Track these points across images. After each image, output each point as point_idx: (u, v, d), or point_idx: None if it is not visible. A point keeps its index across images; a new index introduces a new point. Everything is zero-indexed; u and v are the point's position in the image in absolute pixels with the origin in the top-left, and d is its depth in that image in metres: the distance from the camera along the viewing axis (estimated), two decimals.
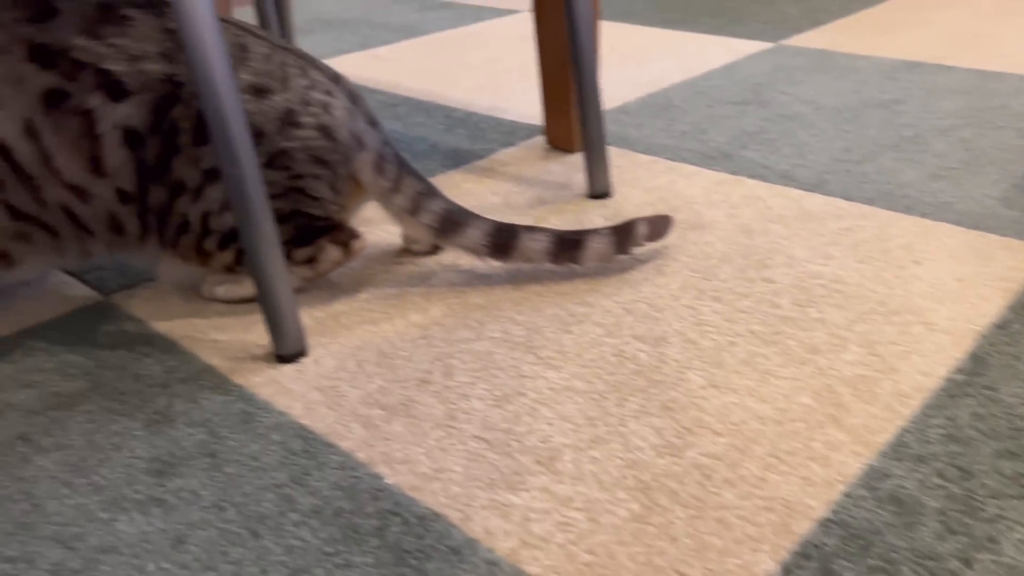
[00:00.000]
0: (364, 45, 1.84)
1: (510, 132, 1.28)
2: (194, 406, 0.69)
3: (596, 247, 0.81)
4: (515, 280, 0.86)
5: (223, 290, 0.84)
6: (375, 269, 0.90)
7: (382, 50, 1.80)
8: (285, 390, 0.71)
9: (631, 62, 1.60)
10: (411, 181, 0.81)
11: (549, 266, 0.84)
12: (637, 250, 0.86)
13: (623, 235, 0.82)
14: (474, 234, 0.81)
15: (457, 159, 1.19)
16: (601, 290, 0.83)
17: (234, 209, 0.69)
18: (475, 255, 0.82)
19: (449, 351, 0.75)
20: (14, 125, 0.70)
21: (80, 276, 0.90)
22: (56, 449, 0.65)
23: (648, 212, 0.99)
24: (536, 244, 0.81)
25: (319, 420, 0.67)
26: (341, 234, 0.82)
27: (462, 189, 1.08)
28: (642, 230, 0.83)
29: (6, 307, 0.85)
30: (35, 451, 0.65)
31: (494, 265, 0.87)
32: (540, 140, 1.24)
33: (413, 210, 0.81)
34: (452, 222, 0.81)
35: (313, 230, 0.80)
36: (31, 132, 0.71)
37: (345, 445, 0.64)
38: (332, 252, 0.82)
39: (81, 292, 0.88)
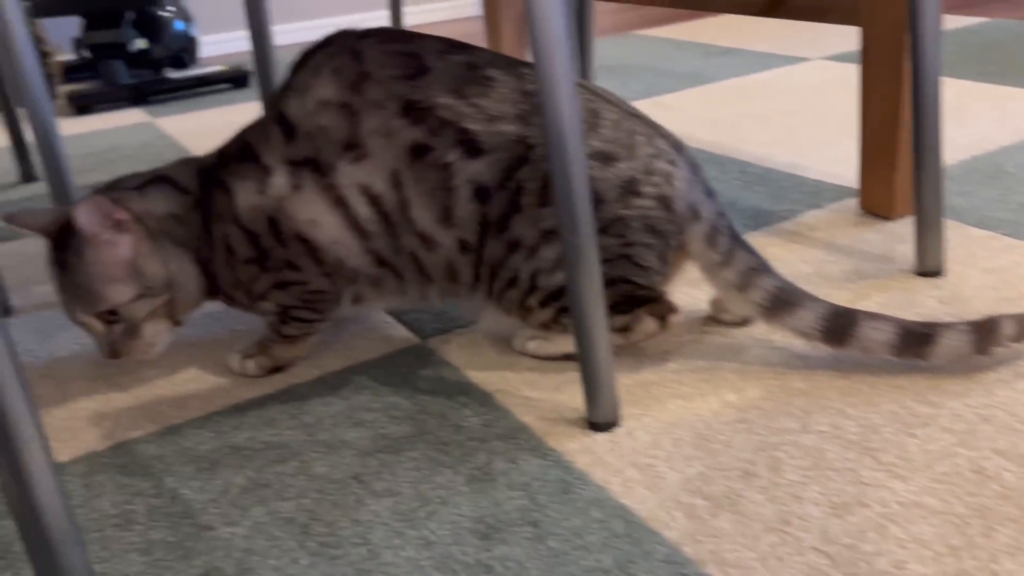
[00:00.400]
0: (649, 93, 1.83)
1: (815, 192, 1.20)
2: (513, 467, 0.69)
3: (951, 344, 0.73)
4: (840, 365, 0.79)
5: (534, 345, 0.84)
6: (682, 337, 0.86)
7: (667, 98, 1.78)
8: (601, 461, 0.69)
9: (946, 120, 1.45)
10: (742, 255, 0.78)
11: (888, 358, 0.76)
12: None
13: (984, 333, 0.73)
14: (807, 317, 0.75)
15: (758, 220, 1.13)
16: (946, 388, 0.74)
17: (567, 274, 0.69)
18: (805, 338, 0.76)
19: (773, 441, 0.70)
20: (383, 176, 0.75)
21: (399, 317, 0.95)
22: (387, 495, 0.67)
23: (990, 297, 0.87)
24: (878, 335, 0.74)
25: (639, 501, 0.64)
26: (660, 306, 0.80)
27: (768, 254, 1.02)
28: (1008, 329, 0.73)
29: (338, 342, 0.91)
30: (368, 494, 0.67)
31: (814, 344, 0.81)
32: (851, 203, 1.15)
33: (742, 286, 0.77)
34: (783, 302, 0.76)
35: (633, 298, 0.79)
36: (396, 182, 0.75)
37: (670, 535, 0.61)
38: (648, 323, 0.80)
39: (401, 334, 0.92)
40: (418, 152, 0.75)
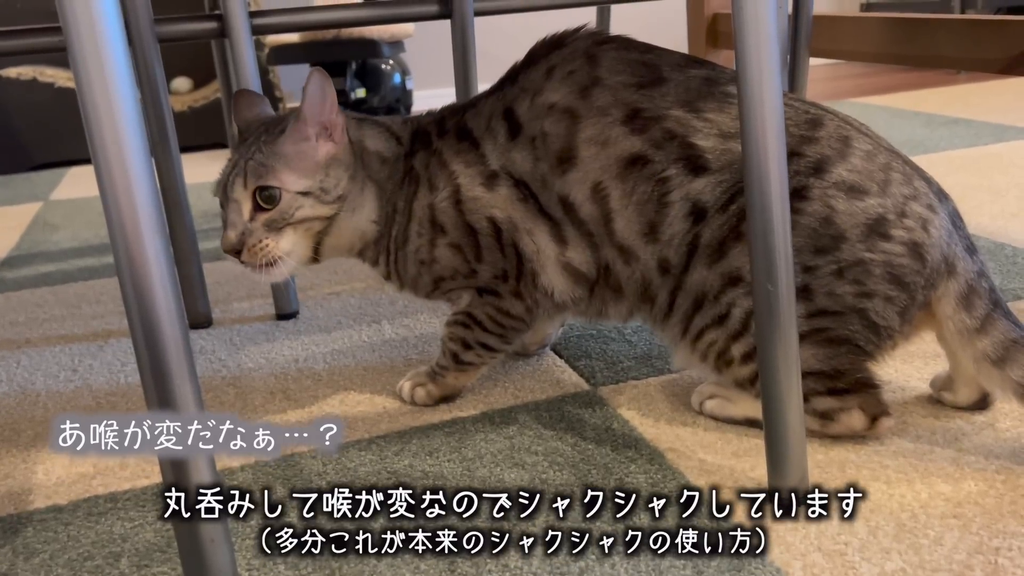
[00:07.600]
0: None
1: None
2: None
3: None
4: None
5: (712, 405, 0.77)
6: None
7: None
8: (781, 540, 0.61)
9: None
10: (1004, 325, 0.67)
11: None
12: None
13: None
14: None
15: None
16: None
17: (757, 328, 0.62)
18: None
19: (994, 545, 0.59)
20: (587, 185, 0.73)
21: (571, 363, 0.91)
22: (540, 543, 0.63)
23: None
24: None
25: None
26: (874, 401, 0.70)
27: None
28: None
29: (506, 379, 0.89)
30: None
31: None
32: None
33: (1000, 360, 0.66)
34: None
35: (851, 373, 0.69)
36: (600, 194, 0.73)
37: None
38: (856, 418, 0.70)
39: (571, 378, 0.88)
40: (633, 163, 0.71)
